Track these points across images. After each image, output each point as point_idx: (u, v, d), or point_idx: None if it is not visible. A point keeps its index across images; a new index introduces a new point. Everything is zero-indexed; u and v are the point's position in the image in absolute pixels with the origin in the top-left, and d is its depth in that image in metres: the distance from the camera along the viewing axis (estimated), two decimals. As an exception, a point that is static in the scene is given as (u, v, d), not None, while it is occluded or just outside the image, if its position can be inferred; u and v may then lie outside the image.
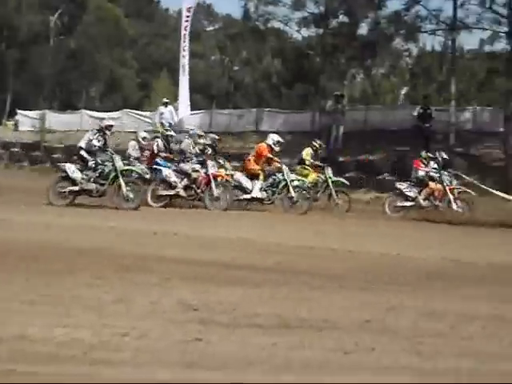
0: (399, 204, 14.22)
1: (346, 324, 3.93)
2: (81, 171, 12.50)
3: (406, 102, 29.42)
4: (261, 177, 13.97)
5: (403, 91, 30.93)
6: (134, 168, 13.18)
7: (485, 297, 5.08)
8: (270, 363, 2.99)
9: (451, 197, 13.97)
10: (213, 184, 13.23)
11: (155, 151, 14.54)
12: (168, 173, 13.43)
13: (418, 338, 3.65)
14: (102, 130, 13.02)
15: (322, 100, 23.78)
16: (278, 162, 14.25)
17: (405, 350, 3.37)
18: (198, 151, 13.89)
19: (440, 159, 14.81)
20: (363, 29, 23.86)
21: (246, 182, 13.79)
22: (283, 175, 13.89)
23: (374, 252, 7.57)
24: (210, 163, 13.58)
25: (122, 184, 12.28)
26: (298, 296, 4.73)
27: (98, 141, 12.72)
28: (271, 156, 14.25)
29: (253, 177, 13.93)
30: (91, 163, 12.61)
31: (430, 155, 15.01)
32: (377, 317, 4.13)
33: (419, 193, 14.23)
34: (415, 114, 20.25)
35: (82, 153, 12.72)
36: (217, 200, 13.15)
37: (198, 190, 13.37)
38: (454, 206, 13.87)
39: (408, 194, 14.20)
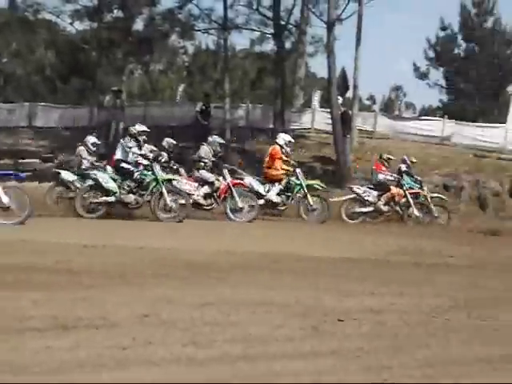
0: (357, 210, 13.48)
1: (123, 320, 3.93)
2: (114, 180, 11.50)
3: (184, 98, 29.93)
4: (283, 182, 13.09)
5: (181, 88, 31.39)
6: (175, 177, 12.18)
7: (255, 284, 5.38)
8: (42, 366, 2.90)
9: (412, 202, 13.56)
10: (234, 193, 12.29)
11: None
12: (177, 181, 12.14)
13: (193, 329, 3.78)
14: (134, 136, 11.91)
15: (100, 95, 23.36)
16: (291, 163, 13.31)
17: (181, 341, 3.48)
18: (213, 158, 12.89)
19: (409, 163, 14.55)
20: (139, 24, 23.90)
21: (258, 186, 12.92)
22: (298, 179, 13.00)
23: (162, 248, 7.53)
24: (226, 171, 12.63)
25: (165, 195, 11.33)
26: (75, 296, 4.62)
27: (137, 148, 11.76)
28: (286, 158, 13.31)
29: (274, 181, 13.04)
30: (137, 174, 11.56)
31: (390, 157, 14.56)
32: (155, 311, 4.19)
33: (379, 197, 13.58)
34: (198, 109, 20.81)
35: (123, 165, 11.59)
36: (240, 211, 12.19)
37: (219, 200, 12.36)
38: (416, 212, 13.48)
39: (367, 198, 13.46)
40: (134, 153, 11.70)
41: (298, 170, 13.08)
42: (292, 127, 22.35)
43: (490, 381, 3.12)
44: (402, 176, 13.95)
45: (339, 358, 3.38)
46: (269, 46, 25.05)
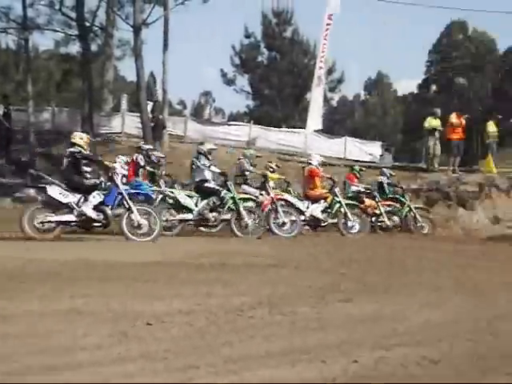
0: (329, 220, 13.17)
1: None
2: (190, 197, 11.68)
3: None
4: (328, 199, 13.13)
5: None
6: (249, 196, 12.39)
7: (64, 293, 5.25)
8: None
9: (383, 211, 13.63)
10: (279, 208, 12.09)
11: (141, 164, 12.86)
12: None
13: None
14: (204, 154, 12.00)
15: None
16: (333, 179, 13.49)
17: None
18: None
19: (388, 175, 14.70)
20: None
21: (298, 203, 12.87)
22: (337, 196, 13.10)
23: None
24: (270, 184, 12.58)
25: (243, 213, 11.54)
26: None
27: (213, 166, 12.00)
28: (328, 175, 13.65)
29: (318, 200, 13.11)
30: (224, 194, 11.69)
31: (362, 168, 14.70)
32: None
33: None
34: (0, 112, 19.70)
35: (207, 185, 11.81)
36: (283, 226, 12.00)
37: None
38: (387, 222, 13.58)
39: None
40: (213, 171, 11.94)
41: (336, 190, 13.26)
42: (101, 131, 21.96)
43: (289, 371, 3.36)
44: (383, 188, 14.48)
45: (147, 361, 3.44)
46: (75, 48, 24.37)
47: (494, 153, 19.32)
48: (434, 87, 44.01)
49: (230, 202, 11.72)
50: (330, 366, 3.43)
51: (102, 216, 9.97)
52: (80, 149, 10.26)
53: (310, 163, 13.69)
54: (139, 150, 13.79)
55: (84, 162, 10.43)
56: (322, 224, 13.12)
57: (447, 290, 5.98)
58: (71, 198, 9.95)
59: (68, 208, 9.95)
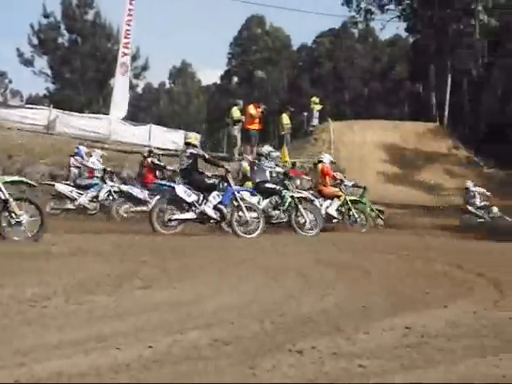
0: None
1: None
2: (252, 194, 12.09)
3: None
4: (342, 198, 13.71)
5: None
6: (306, 195, 12.83)
7: None
8: None
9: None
10: (300, 207, 12.24)
11: (161, 165, 13.09)
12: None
13: None
14: (265, 156, 12.70)
15: None
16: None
17: None
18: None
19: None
20: None
21: (315, 199, 13.30)
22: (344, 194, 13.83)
23: None
24: (292, 183, 12.85)
25: (303, 211, 12.14)
26: None
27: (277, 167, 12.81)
28: (338, 176, 14.33)
29: (332, 198, 13.67)
30: (284, 193, 12.38)
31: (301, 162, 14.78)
32: None
33: None
34: None
35: (267, 185, 12.50)
36: (304, 225, 12.13)
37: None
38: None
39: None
40: (277, 172, 12.73)
41: (342, 187, 14.11)
42: None
43: (82, 359, 3.32)
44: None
45: None
46: None
47: (288, 144, 20.54)
48: (235, 79, 45.46)
49: (289, 200, 12.36)
50: (125, 353, 3.44)
51: (219, 214, 10.96)
52: (202, 152, 11.30)
53: (321, 161, 14.31)
54: (152, 154, 14.76)
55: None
56: (334, 221, 13.78)
57: (249, 276, 6.22)
58: (194, 197, 10.86)
59: (189, 206, 10.84)
